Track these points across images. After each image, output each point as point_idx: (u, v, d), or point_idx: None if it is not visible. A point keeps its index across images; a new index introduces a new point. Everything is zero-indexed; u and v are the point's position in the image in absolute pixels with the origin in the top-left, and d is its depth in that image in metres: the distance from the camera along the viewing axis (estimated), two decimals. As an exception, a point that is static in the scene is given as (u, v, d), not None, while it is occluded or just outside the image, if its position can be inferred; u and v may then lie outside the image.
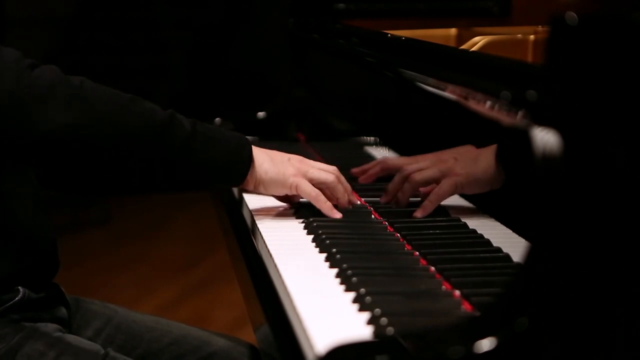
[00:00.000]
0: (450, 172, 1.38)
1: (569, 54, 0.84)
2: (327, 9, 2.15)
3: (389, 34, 1.66)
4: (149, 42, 6.09)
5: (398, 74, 1.61)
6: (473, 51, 1.58)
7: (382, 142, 1.88)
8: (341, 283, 1.11)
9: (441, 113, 1.52)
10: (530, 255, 0.88)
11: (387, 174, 1.57)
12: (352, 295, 1.05)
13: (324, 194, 1.39)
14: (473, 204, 1.46)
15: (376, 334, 0.95)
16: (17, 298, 1.33)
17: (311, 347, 0.93)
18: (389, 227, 1.35)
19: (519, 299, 0.86)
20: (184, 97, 5.68)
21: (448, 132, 1.51)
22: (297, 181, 1.38)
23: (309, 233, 1.33)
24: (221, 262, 3.68)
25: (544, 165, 0.88)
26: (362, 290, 1.05)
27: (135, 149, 1.27)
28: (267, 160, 1.38)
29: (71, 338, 1.36)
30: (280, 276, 1.15)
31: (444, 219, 1.38)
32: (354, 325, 0.97)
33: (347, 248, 1.22)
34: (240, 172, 1.36)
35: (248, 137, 1.40)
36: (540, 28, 1.73)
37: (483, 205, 1.43)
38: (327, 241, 1.25)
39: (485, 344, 0.82)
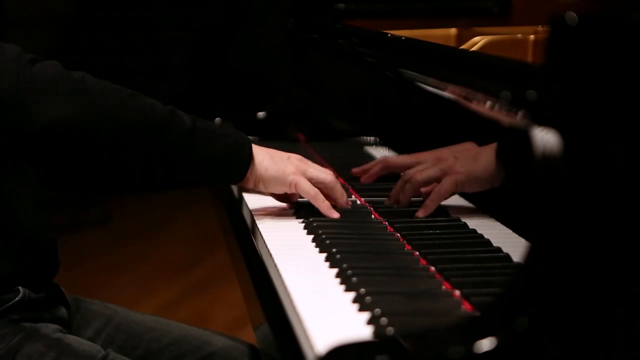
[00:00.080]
0: (451, 170, 1.38)
1: (569, 54, 0.84)
2: (327, 9, 2.15)
3: (389, 34, 1.66)
4: (149, 42, 6.09)
5: (398, 74, 1.61)
6: (473, 51, 1.58)
7: (382, 142, 1.88)
8: (341, 283, 1.11)
9: (441, 113, 1.52)
10: (530, 255, 0.88)
11: (388, 172, 1.57)
12: (352, 295, 1.05)
13: (322, 193, 1.39)
14: (473, 204, 1.46)
15: (376, 334, 0.95)
16: (17, 298, 1.33)
17: (311, 347, 0.93)
18: (389, 227, 1.35)
19: (519, 299, 0.86)
20: (184, 97, 5.69)
21: (448, 132, 1.51)
22: (297, 179, 1.38)
23: (309, 233, 1.33)
24: (221, 262, 3.68)
25: (544, 165, 0.88)
26: (362, 290, 1.05)
27: (136, 144, 1.27)
28: (267, 158, 1.38)
29: (71, 339, 1.36)
30: (280, 276, 1.15)
31: (444, 219, 1.38)
32: (354, 325, 0.97)
33: (347, 248, 1.22)
34: (241, 168, 1.36)
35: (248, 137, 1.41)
36: (540, 28, 1.73)
37: (483, 205, 1.43)
38: (327, 241, 1.25)
39: (485, 344, 0.82)
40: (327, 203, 1.39)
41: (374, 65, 1.73)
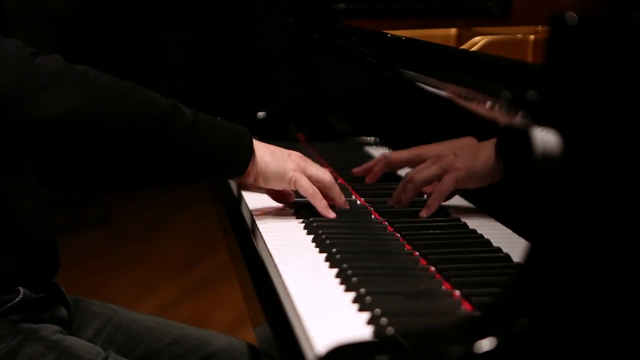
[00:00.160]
0: (451, 167, 1.38)
1: (569, 54, 0.84)
2: (327, 9, 2.15)
3: (389, 34, 1.66)
4: (149, 42, 6.09)
5: (398, 74, 1.61)
6: (473, 51, 1.58)
7: (382, 142, 1.88)
8: (341, 283, 1.11)
9: (441, 113, 1.52)
10: (530, 255, 0.88)
11: (391, 169, 1.58)
12: (352, 295, 1.05)
13: (321, 192, 1.39)
14: (473, 203, 1.46)
15: (376, 334, 0.95)
16: (17, 299, 1.33)
17: (311, 347, 0.93)
18: (389, 227, 1.35)
19: (519, 299, 0.86)
20: (184, 97, 5.67)
21: (448, 132, 1.50)
22: (297, 176, 1.38)
23: (309, 233, 1.33)
24: (221, 262, 3.68)
25: (544, 166, 0.88)
26: (362, 290, 1.05)
27: (137, 137, 1.27)
28: (267, 153, 1.38)
29: (71, 340, 1.35)
30: (280, 276, 1.15)
31: (444, 219, 1.38)
32: (354, 325, 0.97)
33: (347, 248, 1.22)
34: (241, 162, 1.35)
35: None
36: (540, 28, 1.73)
37: (483, 205, 1.43)
38: (327, 241, 1.25)
39: (485, 344, 0.82)
40: (324, 202, 1.39)
41: (374, 65, 1.73)
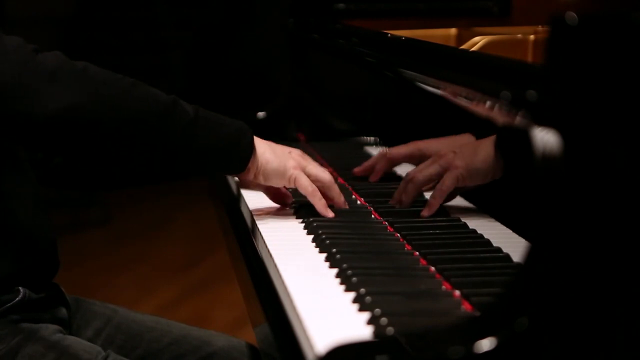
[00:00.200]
0: (451, 165, 1.38)
1: (569, 54, 0.84)
2: (327, 9, 2.15)
3: (389, 34, 1.66)
4: (149, 42, 6.09)
5: (398, 74, 1.61)
6: (473, 51, 1.58)
7: (382, 142, 1.88)
8: (341, 283, 1.11)
9: (441, 113, 1.52)
10: (530, 255, 0.88)
11: (392, 165, 1.58)
12: (352, 295, 1.05)
13: (320, 191, 1.39)
14: (473, 204, 1.46)
15: (376, 334, 0.95)
16: (17, 299, 1.33)
17: (311, 347, 0.93)
18: (389, 227, 1.35)
19: (519, 299, 0.86)
20: (184, 97, 5.67)
21: (448, 132, 1.51)
22: (297, 174, 1.38)
23: (309, 233, 1.33)
24: (221, 262, 3.68)
25: (544, 165, 0.88)
26: (362, 290, 1.05)
27: (138, 133, 1.27)
28: (268, 150, 1.38)
29: (71, 340, 1.35)
30: (280, 276, 1.15)
31: (444, 219, 1.38)
32: (354, 325, 0.97)
33: (347, 248, 1.22)
34: (243, 158, 1.36)
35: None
36: (540, 28, 1.73)
37: (483, 205, 1.43)
38: (327, 241, 1.25)
39: (485, 344, 0.82)
40: (323, 201, 1.39)
41: (374, 65, 1.73)
